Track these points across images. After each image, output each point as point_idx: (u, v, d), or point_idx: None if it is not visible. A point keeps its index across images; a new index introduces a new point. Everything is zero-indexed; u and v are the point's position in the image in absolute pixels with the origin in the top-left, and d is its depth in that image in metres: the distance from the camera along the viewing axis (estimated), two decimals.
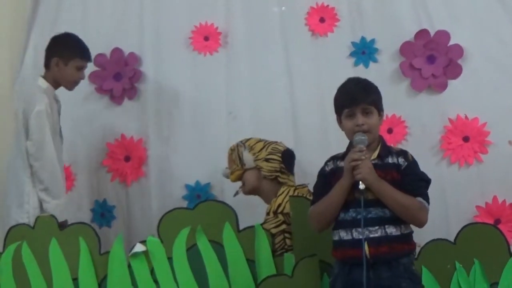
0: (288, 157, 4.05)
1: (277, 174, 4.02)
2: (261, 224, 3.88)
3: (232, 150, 4.16)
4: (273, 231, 3.85)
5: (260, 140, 4.12)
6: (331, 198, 3.23)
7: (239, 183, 4.23)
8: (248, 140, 4.15)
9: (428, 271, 3.60)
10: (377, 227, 3.15)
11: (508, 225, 4.12)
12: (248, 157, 4.07)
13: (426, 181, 3.25)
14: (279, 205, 3.90)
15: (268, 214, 3.97)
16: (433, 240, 3.69)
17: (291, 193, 3.93)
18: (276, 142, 4.10)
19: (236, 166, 4.12)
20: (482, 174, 4.24)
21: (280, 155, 4.02)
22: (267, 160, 4.02)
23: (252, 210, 4.38)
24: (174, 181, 4.67)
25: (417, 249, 3.53)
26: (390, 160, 3.23)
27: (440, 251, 3.65)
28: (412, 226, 3.24)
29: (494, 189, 4.20)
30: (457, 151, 4.27)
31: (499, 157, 4.23)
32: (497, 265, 3.60)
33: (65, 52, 4.30)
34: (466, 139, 4.27)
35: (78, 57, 4.32)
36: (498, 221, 4.16)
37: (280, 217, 3.87)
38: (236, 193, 4.20)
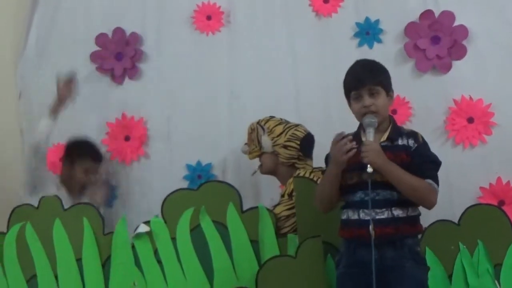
0: (306, 144, 4.03)
1: (294, 161, 4.02)
2: (275, 206, 3.90)
3: (252, 129, 4.14)
4: (286, 213, 3.85)
5: (280, 123, 4.08)
6: (324, 182, 3.30)
7: (242, 164, 4.25)
8: (268, 121, 4.11)
9: (431, 252, 3.62)
10: (384, 209, 3.18)
11: None
12: (266, 142, 4.06)
13: (436, 163, 3.24)
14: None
15: (282, 196, 3.96)
16: (437, 221, 3.69)
17: (307, 175, 3.91)
18: (296, 126, 4.06)
19: (255, 147, 4.12)
20: (486, 155, 4.25)
21: (298, 142, 3.99)
22: (285, 147, 4.00)
23: (256, 191, 4.41)
24: (175, 161, 4.65)
25: None
26: (400, 142, 3.23)
27: (444, 232, 3.66)
28: (419, 208, 3.26)
29: (498, 170, 4.20)
30: (462, 132, 4.28)
31: (503, 138, 4.23)
32: (501, 246, 3.62)
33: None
34: (470, 120, 4.27)
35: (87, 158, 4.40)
36: (502, 202, 4.17)
37: (294, 199, 3.85)
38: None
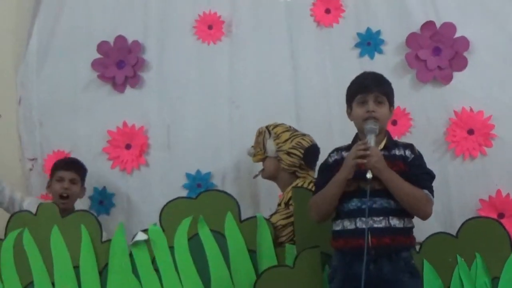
0: (310, 154, 4.01)
1: (296, 169, 4.02)
2: (272, 215, 3.91)
3: (260, 132, 4.16)
4: (283, 222, 3.85)
5: (288, 130, 4.10)
6: (327, 191, 3.25)
7: (242, 173, 4.28)
8: (276, 126, 4.12)
9: (429, 265, 3.60)
10: (381, 218, 3.17)
11: (511, 219, 4.11)
12: (271, 146, 4.07)
13: (431, 175, 3.27)
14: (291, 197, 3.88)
15: (279, 205, 3.96)
16: (435, 233, 3.69)
17: (305, 185, 3.91)
18: (303, 136, 4.07)
19: (260, 150, 4.13)
20: (486, 167, 4.23)
21: (302, 151, 3.99)
22: (288, 153, 4.00)
23: (255, 201, 4.40)
24: (175, 169, 4.64)
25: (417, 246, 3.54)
26: (397, 152, 3.25)
27: (442, 244, 3.65)
28: (414, 219, 3.26)
29: (498, 182, 4.18)
30: (462, 144, 4.25)
31: (503, 150, 4.21)
32: (499, 260, 3.60)
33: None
34: (470, 132, 4.25)
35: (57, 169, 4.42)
36: (501, 215, 4.15)
37: (291, 208, 3.84)
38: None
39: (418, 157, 3.27)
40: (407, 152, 3.25)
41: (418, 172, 3.21)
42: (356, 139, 3.30)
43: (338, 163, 3.28)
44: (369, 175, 3.10)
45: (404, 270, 3.17)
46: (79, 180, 4.42)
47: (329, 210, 3.28)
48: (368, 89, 3.25)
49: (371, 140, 3.17)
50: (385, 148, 3.25)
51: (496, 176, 4.21)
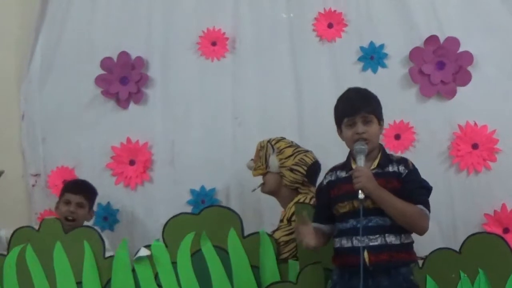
0: (313, 171, 3.99)
1: (298, 185, 3.99)
2: (274, 231, 3.89)
3: (261, 146, 4.12)
4: (285, 238, 3.83)
5: (291, 145, 4.07)
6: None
7: (246, 189, 4.28)
8: (279, 141, 4.10)
9: (432, 280, 3.58)
10: (377, 236, 3.17)
11: None
12: (274, 162, 4.04)
13: (427, 188, 3.26)
14: (294, 213, 3.85)
15: (281, 221, 3.94)
16: (438, 249, 3.67)
17: (307, 201, 3.89)
18: (306, 152, 4.04)
19: (261, 165, 4.10)
20: (491, 182, 4.21)
21: (306, 168, 3.96)
22: (291, 170, 3.98)
23: (258, 216, 4.39)
24: (179, 185, 4.64)
25: (419, 261, 3.53)
26: (390, 168, 3.25)
27: (445, 260, 3.63)
28: (414, 235, 3.24)
29: (503, 197, 4.17)
30: (466, 158, 4.24)
31: (508, 165, 4.20)
32: (502, 276, 3.58)
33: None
34: (475, 146, 4.24)
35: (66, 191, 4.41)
36: (506, 229, 4.14)
37: (294, 224, 3.82)
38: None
39: (412, 171, 3.24)
40: (401, 168, 3.24)
41: (412, 187, 3.19)
42: (349, 158, 3.32)
43: (332, 184, 3.33)
44: (361, 196, 3.11)
45: (403, 285, 3.15)
46: (86, 204, 4.39)
47: (317, 246, 3.33)
48: (354, 111, 3.24)
49: (360, 161, 3.19)
50: (379, 165, 3.25)
51: (501, 190, 4.20)
